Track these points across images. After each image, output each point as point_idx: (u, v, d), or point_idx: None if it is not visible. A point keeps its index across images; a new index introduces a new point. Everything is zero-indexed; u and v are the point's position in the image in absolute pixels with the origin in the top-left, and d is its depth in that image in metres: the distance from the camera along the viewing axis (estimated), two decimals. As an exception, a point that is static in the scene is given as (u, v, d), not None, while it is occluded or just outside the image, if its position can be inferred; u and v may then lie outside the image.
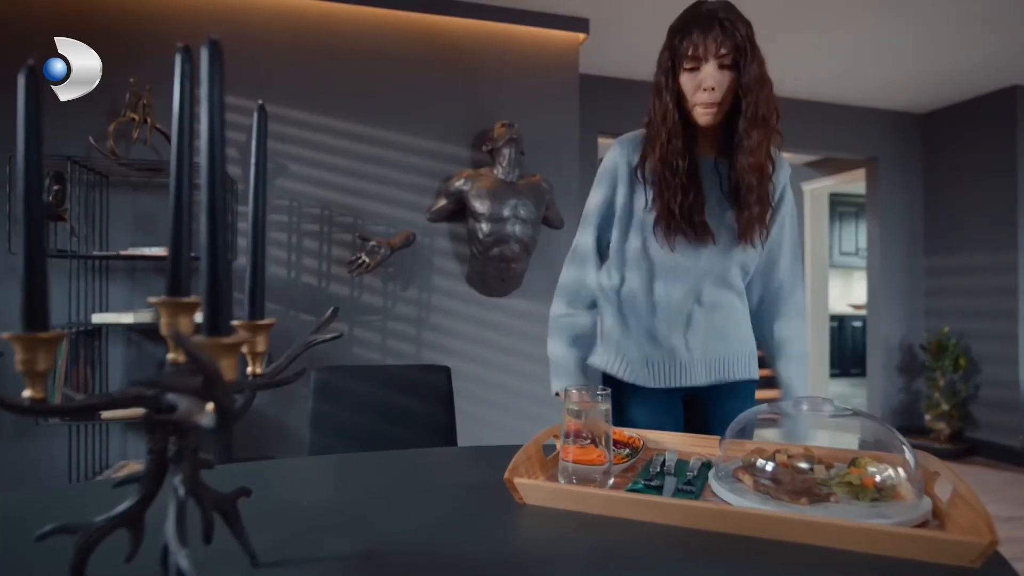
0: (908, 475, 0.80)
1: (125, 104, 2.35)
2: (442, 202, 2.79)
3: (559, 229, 2.99)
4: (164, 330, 0.63)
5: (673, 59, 1.16)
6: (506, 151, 2.71)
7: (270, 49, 2.69)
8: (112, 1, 2.53)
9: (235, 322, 0.70)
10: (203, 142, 0.61)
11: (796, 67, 3.74)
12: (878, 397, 4.52)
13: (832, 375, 6.58)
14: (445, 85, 2.90)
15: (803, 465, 0.82)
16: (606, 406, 0.88)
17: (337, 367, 1.69)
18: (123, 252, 2.32)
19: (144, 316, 2.35)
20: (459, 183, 2.74)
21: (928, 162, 4.56)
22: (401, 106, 2.84)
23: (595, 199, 1.33)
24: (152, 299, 0.68)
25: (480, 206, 2.67)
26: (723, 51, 1.10)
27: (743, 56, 1.11)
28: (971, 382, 4.18)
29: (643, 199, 1.24)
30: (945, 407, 4.15)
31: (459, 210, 2.79)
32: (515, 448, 0.92)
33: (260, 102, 0.72)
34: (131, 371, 2.50)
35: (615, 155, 1.29)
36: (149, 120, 2.36)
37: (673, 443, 1.09)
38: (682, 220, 1.17)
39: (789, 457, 0.88)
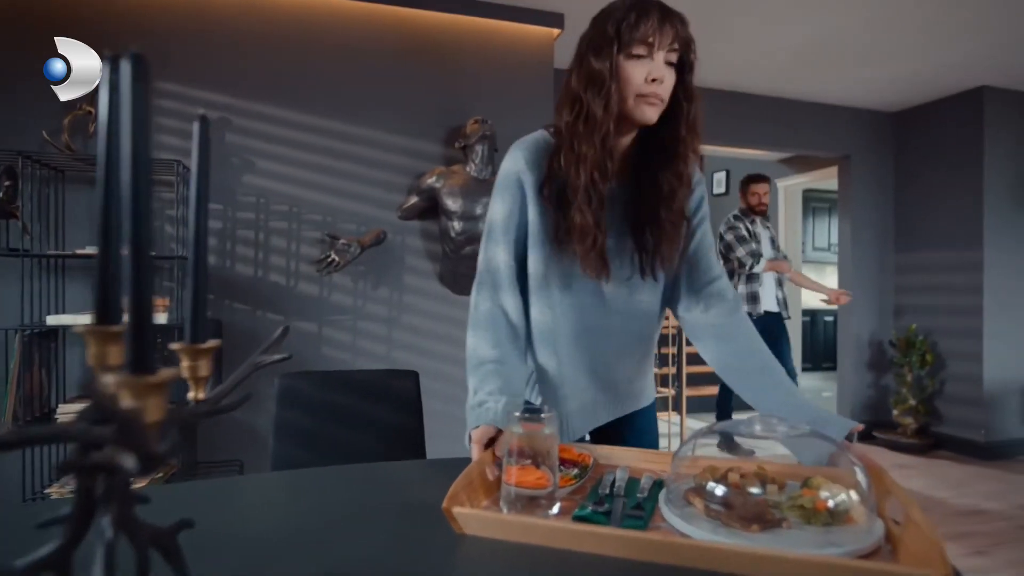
0: (860, 497, 0.80)
1: (83, 97, 2.27)
2: (414, 199, 2.75)
3: (532, 227, 2.97)
4: (91, 361, 0.60)
5: (616, 44, 1.00)
6: (479, 148, 2.68)
7: (236, 41, 2.62)
8: (68, -11, 2.44)
9: (175, 345, 0.67)
10: (126, 166, 0.58)
11: (771, 65, 3.74)
12: (848, 392, 4.60)
13: (804, 369, 6.68)
14: (417, 80, 2.85)
15: (754, 491, 0.81)
16: (551, 428, 0.86)
17: (301, 373, 1.65)
18: (80, 251, 2.24)
19: (87, 319, 2.28)
20: (431, 180, 2.70)
21: (899, 160, 4.62)
22: (372, 101, 2.79)
23: (501, 209, 1.13)
24: (78, 328, 0.64)
25: (452, 204, 2.64)
26: (675, 45, 1.00)
27: (687, 57, 1.03)
28: (937, 378, 4.27)
29: (549, 218, 1.10)
30: (912, 402, 4.23)
31: (431, 208, 2.75)
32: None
33: (201, 112, 0.68)
34: (90, 374, 2.43)
35: (519, 161, 1.11)
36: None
37: (625, 459, 1.07)
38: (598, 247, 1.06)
39: (741, 477, 0.87)
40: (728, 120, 4.19)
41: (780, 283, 3.85)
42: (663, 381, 4.61)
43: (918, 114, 4.47)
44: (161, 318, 2.25)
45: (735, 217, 3.89)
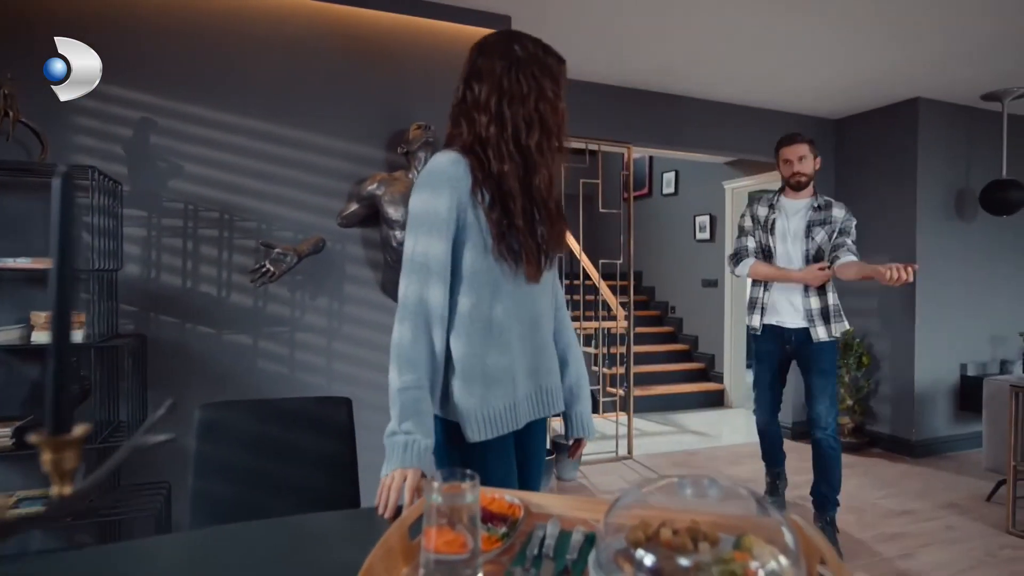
0: (791, 561, 0.78)
1: (-16, 96, 2.08)
2: (354, 206, 2.65)
3: (479, 235, 2.90)
4: (46, 467, 0.55)
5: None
6: (421, 154, 2.59)
7: (161, 35, 2.45)
8: (-32, -26, 2.23)
9: (35, 437, 0.58)
10: (53, 263, 0.54)
11: (722, 72, 3.77)
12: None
13: (749, 365, 6.83)
14: (358, 81, 2.73)
15: (683, 562, 0.78)
16: (473, 495, 0.80)
17: (224, 403, 1.55)
18: (-13, 263, 2.06)
19: (10, 334, 2.12)
20: (372, 187, 2.60)
21: (840, 166, 4.74)
22: (310, 102, 2.66)
23: (441, 203, 1.17)
24: (33, 438, 0.58)
25: (394, 213, 2.55)
26: None
27: None
28: (872, 379, 4.42)
29: (491, 221, 1.19)
30: (849, 402, 4.37)
31: (372, 215, 2.65)
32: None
33: (64, 169, 0.59)
34: (1, 394, 2.25)
35: (459, 167, 1.19)
36: (12, 113, 2.10)
37: (558, 508, 1.03)
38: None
39: (674, 533, 0.84)
40: (672, 124, 4.21)
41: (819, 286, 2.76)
42: (612, 381, 4.63)
43: (858, 122, 4.59)
44: (77, 336, 2.09)
45: (759, 198, 2.96)
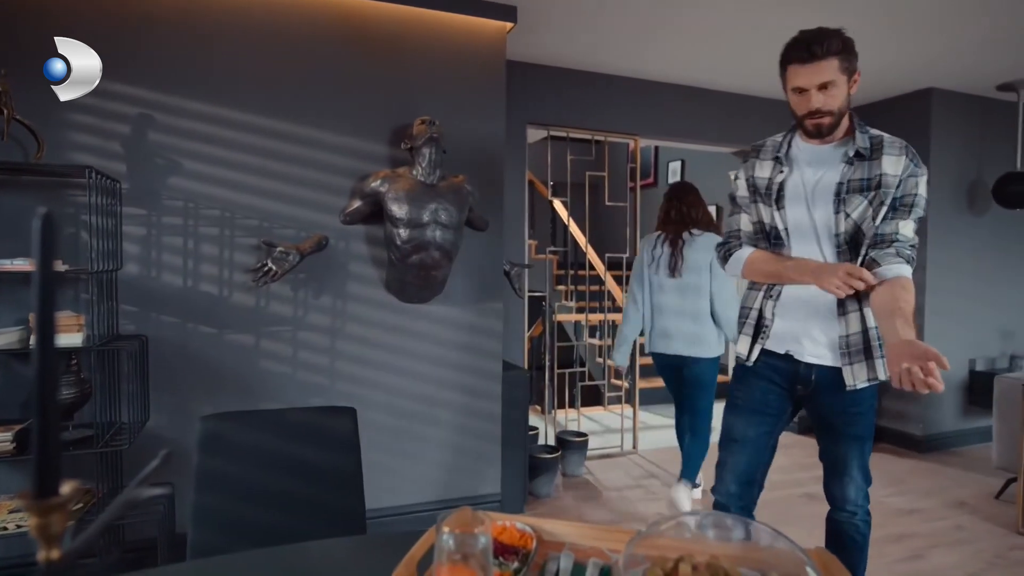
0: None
1: (-22, 93, 2.03)
2: (357, 204, 2.60)
3: (483, 231, 2.86)
4: (33, 533, 0.52)
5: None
6: (426, 151, 2.53)
7: (159, 30, 2.39)
8: (-41, -34, 2.17)
9: (18, 502, 0.54)
10: (35, 311, 0.51)
11: (729, 62, 3.69)
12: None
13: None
14: (361, 75, 2.67)
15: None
16: (485, 534, 0.77)
17: (226, 414, 1.52)
18: (-18, 265, 2.02)
19: (10, 337, 2.08)
20: (375, 184, 2.55)
21: (849, 157, 4.66)
22: (313, 98, 2.60)
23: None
24: (18, 501, 0.54)
25: (398, 210, 2.50)
26: None
27: None
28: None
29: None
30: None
31: (376, 212, 2.60)
32: (426, 518, 0.80)
33: (44, 211, 0.55)
34: (1, 398, 2.22)
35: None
36: (7, 111, 2.05)
37: (570, 536, 1.00)
38: None
39: (694, 569, 0.80)
40: (679, 114, 4.14)
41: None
42: (617, 373, 4.61)
43: (869, 112, 4.50)
44: (76, 339, 2.06)
45: (760, 148, 1.82)
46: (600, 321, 5.12)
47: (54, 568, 0.56)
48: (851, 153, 1.61)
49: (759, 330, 1.76)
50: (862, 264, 1.60)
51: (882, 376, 1.62)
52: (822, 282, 1.57)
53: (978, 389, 4.17)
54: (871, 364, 1.63)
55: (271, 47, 2.54)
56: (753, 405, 1.78)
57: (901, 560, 2.61)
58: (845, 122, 1.64)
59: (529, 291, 3.91)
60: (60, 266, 2.13)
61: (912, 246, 1.57)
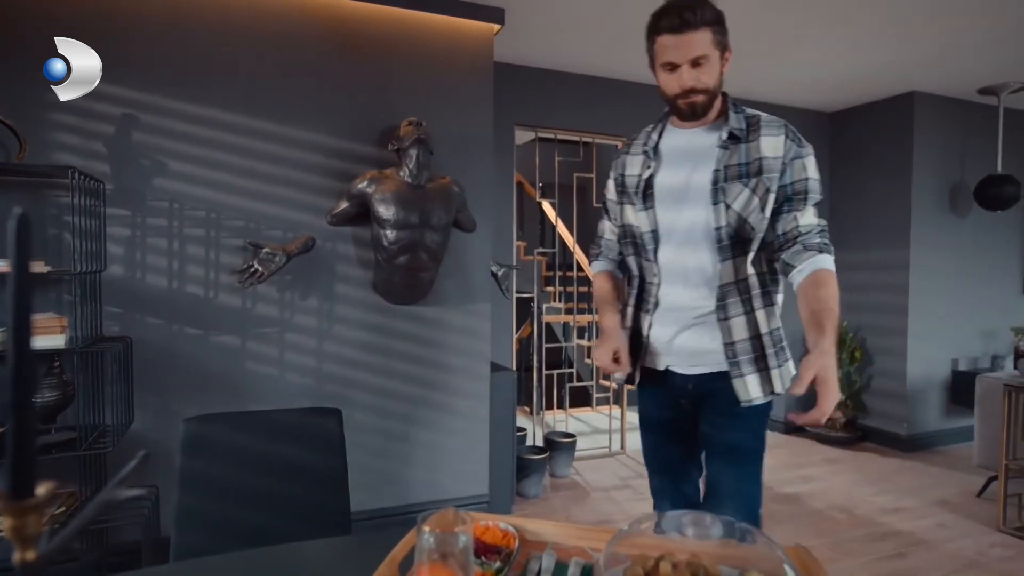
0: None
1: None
2: (344, 205, 2.60)
3: (471, 232, 2.86)
4: (8, 535, 0.51)
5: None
6: (413, 152, 2.53)
7: (144, 29, 2.37)
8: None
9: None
10: (9, 312, 0.52)
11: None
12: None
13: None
14: (348, 76, 2.67)
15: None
16: (466, 533, 0.77)
17: (210, 416, 1.51)
18: (-39, 267, 2.00)
19: (-10, 339, 2.06)
20: (362, 185, 2.55)
21: (835, 160, 4.71)
22: (299, 98, 2.60)
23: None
24: None
25: (385, 212, 2.50)
26: None
27: None
28: (865, 373, 4.43)
29: None
30: (842, 397, 4.37)
31: (363, 213, 2.60)
32: (410, 517, 0.80)
33: (20, 211, 0.55)
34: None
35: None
36: (-11, 111, 2.03)
37: (553, 535, 1.00)
38: None
39: (674, 567, 0.81)
40: (671, 118, 4.16)
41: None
42: (603, 376, 4.62)
43: (854, 115, 4.56)
44: (59, 341, 2.04)
45: (635, 137, 1.65)
46: (588, 322, 5.14)
47: (30, 570, 0.56)
48: (724, 136, 1.41)
49: (638, 347, 1.54)
50: (774, 266, 1.43)
51: (779, 388, 1.41)
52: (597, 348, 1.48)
53: (961, 389, 4.22)
54: (767, 375, 1.40)
55: (258, 47, 2.53)
56: (654, 426, 1.61)
57: (884, 558, 2.64)
58: (718, 104, 1.45)
59: (518, 292, 3.92)
60: (42, 267, 2.11)
61: (820, 231, 1.36)
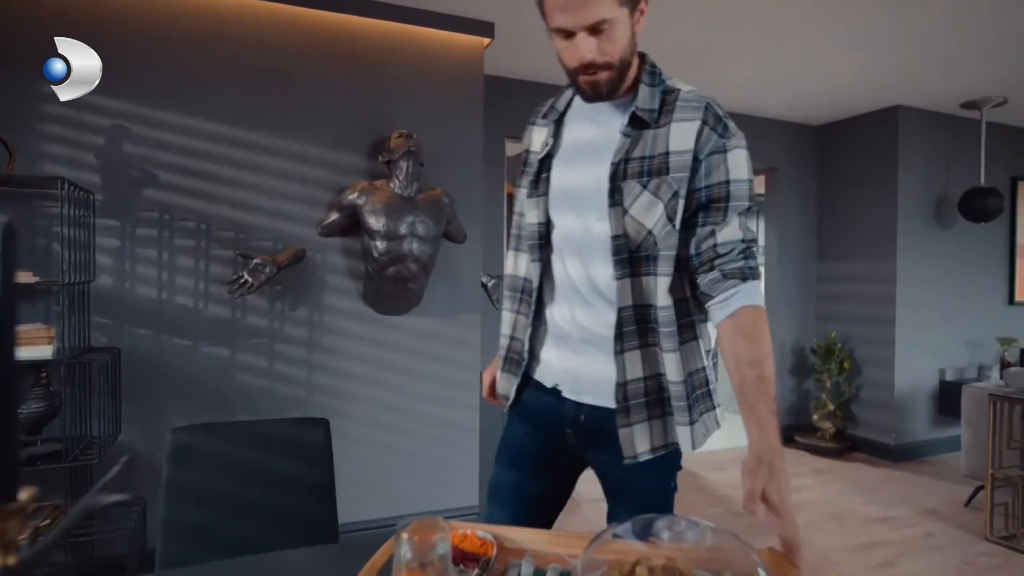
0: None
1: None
2: (334, 216, 2.61)
3: (461, 243, 2.88)
4: None
5: None
6: (403, 164, 2.56)
7: (135, 40, 2.39)
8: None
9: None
10: None
11: (703, 78, 3.77)
12: (782, 392, 4.74)
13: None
14: (339, 88, 2.69)
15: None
16: (445, 541, 0.78)
17: (196, 426, 1.51)
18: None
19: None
20: (352, 196, 2.56)
21: (821, 173, 4.77)
22: (290, 110, 2.62)
23: None
24: None
25: (375, 223, 2.51)
26: None
27: None
28: (854, 383, 4.46)
29: None
30: (830, 407, 4.40)
31: (353, 224, 2.61)
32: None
33: (5, 219, 0.56)
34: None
35: None
36: (-21, 123, 2.04)
37: (532, 542, 1.01)
38: None
39: (650, 571, 0.82)
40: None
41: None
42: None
43: (840, 129, 4.62)
44: (46, 351, 2.04)
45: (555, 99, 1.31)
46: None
47: (11, 575, 0.57)
48: (626, 120, 1.09)
49: (518, 363, 1.24)
50: (689, 293, 1.10)
51: (685, 443, 1.11)
52: None
53: (948, 399, 4.26)
54: (661, 424, 1.10)
55: (248, 59, 2.55)
56: (523, 457, 1.27)
57: (872, 568, 2.65)
58: (633, 71, 1.12)
59: (508, 303, 3.93)
60: (30, 278, 2.11)
61: (744, 250, 1.05)
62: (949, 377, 4.39)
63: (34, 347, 2.01)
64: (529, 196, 1.20)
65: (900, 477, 3.91)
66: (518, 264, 1.26)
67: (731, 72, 3.63)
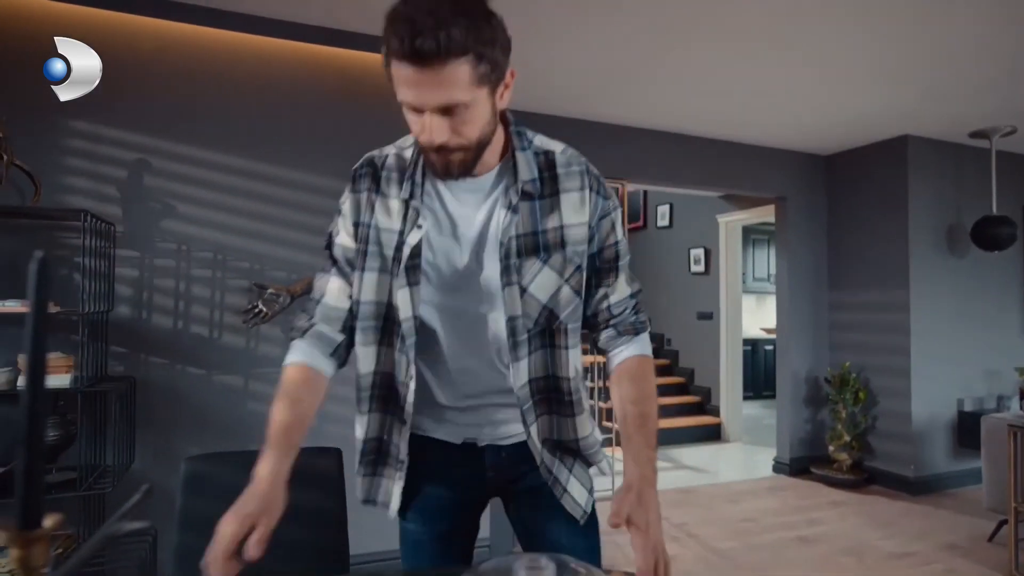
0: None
1: (-22, 139, 2.08)
2: (348, 246, 2.65)
3: (473, 273, 2.90)
4: (14, 564, 0.55)
5: None
6: (416, 195, 2.60)
7: (155, 77, 2.47)
8: (-33, 19, 2.26)
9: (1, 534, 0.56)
10: (26, 351, 0.53)
11: (713, 109, 3.82)
12: (786, 427, 4.68)
13: (746, 397, 6.80)
14: (351, 121, 2.75)
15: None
16: None
17: (210, 455, 1.53)
18: (-27, 307, 2.04)
19: (-3, 378, 2.09)
20: (366, 227, 2.60)
21: (832, 201, 4.78)
22: (305, 143, 2.68)
23: None
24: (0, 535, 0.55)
25: (388, 253, 2.54)
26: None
27: None
28: (869, 414, 4.39)
29: None
30: (846, 438, 4.33)
31: (367, 255, 2.65)
32: None
33: (40, 254, 0.58)
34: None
35: None
36: (6, 156, 2.10)
37: None
38: None
39: None
40: (665, 160, 4.25)
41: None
42: (607, 415, 4.59)
43: (849, 158, 4.65)
44: (64, 380, 2.07)
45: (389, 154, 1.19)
46: (592, 363, 5.13)
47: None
48: (514, 199, 0.99)
49: (397, 459, 1.12)
50: (594, 345, 1.13)
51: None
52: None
53: (967, 430, 4.18)
54: (580, 471, 1.14)
55: (262, 95, 2.62)
56: (443, 512, 1.18)
57: (894, 605, 2.59)
58: (499, 138, 1.00)
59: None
60: (52, 307, 2.15)
61: (635, 306, 1.10)
62: (968, 407, 4.32)
63: (54, 375, 2.04)
64: (400, 287, 1.00)
65: (919, 511, 3.82)
66: (363, 353, 1.09)
67: (741, 103, 3.68)
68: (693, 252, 6.30)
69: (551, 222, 1.01)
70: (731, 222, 5.92)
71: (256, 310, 2.46)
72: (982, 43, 2.83)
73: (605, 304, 1.08)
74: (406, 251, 1.00)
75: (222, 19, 2.53)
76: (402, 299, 1.01)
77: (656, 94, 3.56)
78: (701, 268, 6.21)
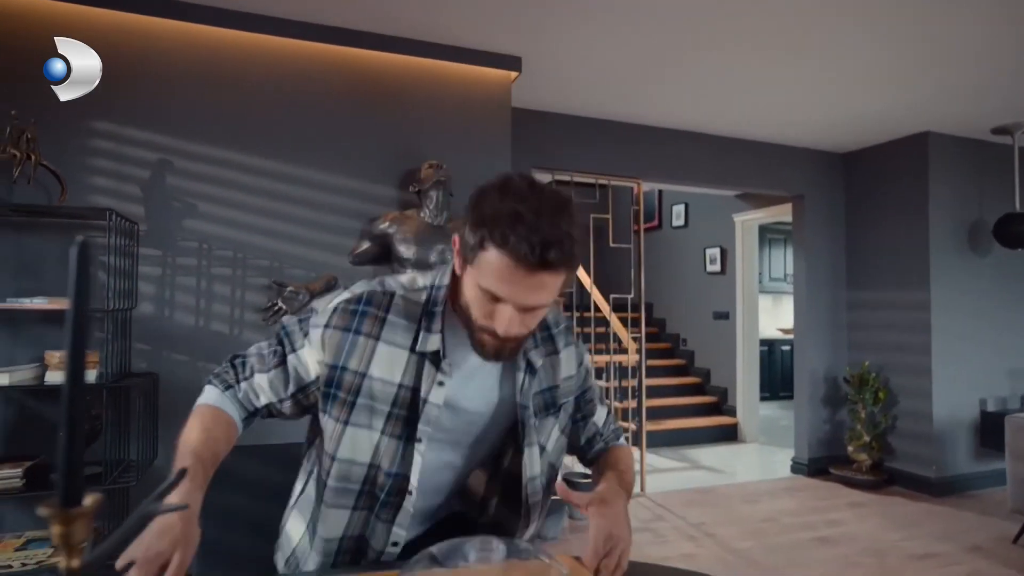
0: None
1: (6, 139, 2.13)
2: (366, 244, 2.67)
3: (489, 272, 2.91)
4: (55, 540, 0.56)
5: None
6: (433, 194, 2.62)
7: (177, 79, 2.51)
8: (-4, 24, 2.31)
9: (44, 510, 0.58)
10: (67, 340, 0.54)
11: (729, 108, 3.80)
12: (804, 427, 4.64)
13: (762, 398, 6.73)
14: (371, 122, 2.78)
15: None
16: None
17: (232, 448, 1.54)
18: (0, 304, 2.09)
19: (25, 374, 2.13)
20: (384, 225, 2.62)
21: (850, 200, 4.73)
22: (323, 143, 2.71)
23: None
24: (42, 510, 0.57)
25: (405, 251, 2.56)
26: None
27: None
28: (890, 414, 4.34)
29: None
30: (866, 438, 4.28)
31: (384, 253, 2.67)
32: None
33: (81, 239, 0.60)
34: (13, 434, 2.26)
35: None
36: (34, 157, 2.15)
37: None
38: None
39: None
40: (680, 158, 4.23)
41: None
42: (624, 415, 4.57)
43: (867, 156, 4.60)
44: (90, 375, 2.10)
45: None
46: (607, 363, 5.12)
47: (73, 577, 0.59)
48: (537, 360, 1.03)
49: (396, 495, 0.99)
50: (584, 462, 1.20)
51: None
52: None
53: (990, 430, 4.11)
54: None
55: (284, 95, 2.66)
56: None
57: (916, 606, 2.55)
58: None
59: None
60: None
61: (613, 421, 1.20)
62: (991, 407, 4.25)
63: (78, 371, 2.08)
64: (389, 439, 0.96)
65: (942, 512, 3.77)
66: (350, 520, 1.00)
67: (757, 101, 3.66)
68: (709, 252, 6.27)
69: (550, 380, 1.06)
70: (747, 221, 5.88)
71: (276, 307, 2.49)
72: (1003, 39, 2.79)
73: (594, 430, 1.17)
74: (428, 410, 0.95)
75: (242, 21, 2.56)
76: (385, 454, 0.95)
77: (672, 93, 3.55)
78: (717, 268, 6.17)
